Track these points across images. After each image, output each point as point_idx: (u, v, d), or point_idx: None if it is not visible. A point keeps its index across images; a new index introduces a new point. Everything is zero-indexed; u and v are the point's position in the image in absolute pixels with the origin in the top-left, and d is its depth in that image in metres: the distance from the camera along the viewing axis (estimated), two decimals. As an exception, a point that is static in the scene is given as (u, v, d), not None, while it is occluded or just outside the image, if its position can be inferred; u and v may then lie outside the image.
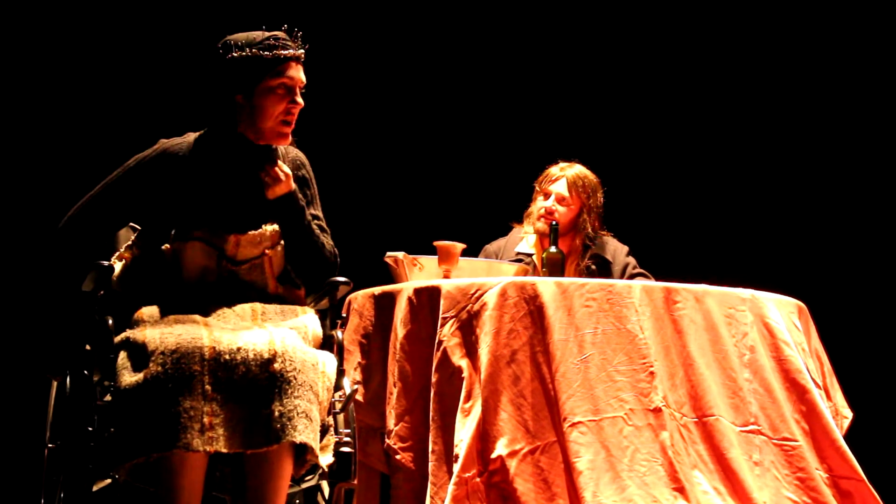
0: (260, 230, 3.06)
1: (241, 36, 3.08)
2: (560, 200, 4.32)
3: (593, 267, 4.29)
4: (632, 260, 4.36)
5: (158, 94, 4.96)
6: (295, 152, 3.25)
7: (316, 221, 3.20)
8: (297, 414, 2.71)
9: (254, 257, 3.04)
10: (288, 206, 3.09)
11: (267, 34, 3.08)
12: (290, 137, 3.15)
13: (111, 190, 3.08)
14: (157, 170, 3.08)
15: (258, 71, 3.05)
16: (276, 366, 2.74)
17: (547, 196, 4.34)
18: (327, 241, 3.18)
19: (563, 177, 4.34)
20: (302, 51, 3.11)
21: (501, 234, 4.54)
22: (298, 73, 3.10)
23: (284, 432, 2.69)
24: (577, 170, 4.36)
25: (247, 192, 3.10)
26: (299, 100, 3.10)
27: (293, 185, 3.11)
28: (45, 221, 3.29)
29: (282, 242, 3.09)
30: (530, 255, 4.37)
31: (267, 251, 3.05)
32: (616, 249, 4.37)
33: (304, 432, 2.71)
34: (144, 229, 3.10)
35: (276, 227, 3.09)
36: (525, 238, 4.41)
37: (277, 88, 3.07)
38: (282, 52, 3.06)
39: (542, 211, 4.32)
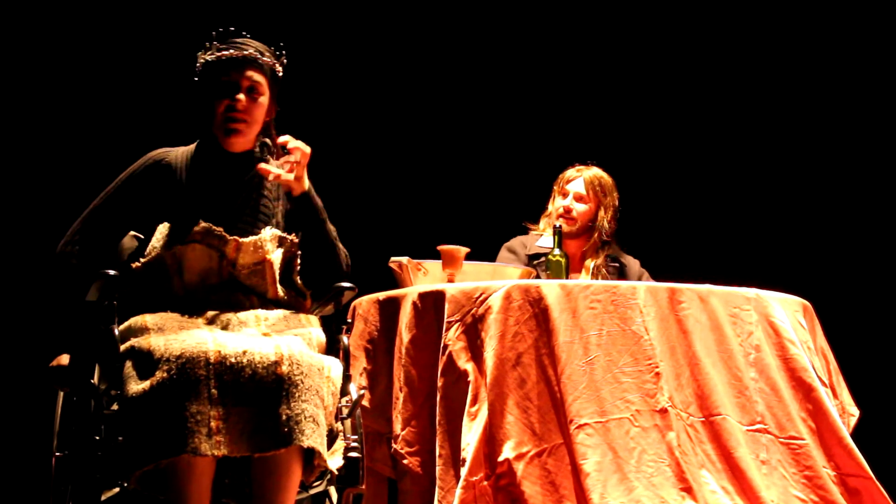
0: (259, 236, 3.07)
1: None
2: (578, 199, 4.44)
3: (613, 264, 4.43)
4: (646, 272, 4.49)
5: (164, 104, 4.97)
6: None
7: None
8: (305, 418, 2.72)
9: (254, 262, 3.05)
10: (302, 205, 3.13)
11: (223, 41, 3.13)
12: (243, 137, 3.13)
13: (104, 207, 3.11)
14: (147, 181, 3.11)
15: (210, 76, 3.12)
16: (284, 369, 2.74)
17: (565, 195, 4.45)
18: (342, 248, 3.22)
19: (581, 177, 4.46)
20: (250, 51, 3.11)
21: (504, 237, 4.55)
22: (243, 72, 3.10)
23: (292, 436, 2.69)
24: (594, 171, 4.49)
25: (237, 199, 3.12)
26: (240, 96, 3.10)
27: (306, 186, 3.13)
28: (49, 230, 3.28)
29: (282, 248, 3.10)
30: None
31: (267, 256, 3.06)
32: (629, 259, 4.50)
33: (312, 437, 2.72)
34: (146, 239, 3.11)
35: (276, 231, 3.10)
36: (544, 234, 4.49)
37: (220, 87, 3.10)
38: (224, 53, 3.10)
39: (561, 210, 4.42)
